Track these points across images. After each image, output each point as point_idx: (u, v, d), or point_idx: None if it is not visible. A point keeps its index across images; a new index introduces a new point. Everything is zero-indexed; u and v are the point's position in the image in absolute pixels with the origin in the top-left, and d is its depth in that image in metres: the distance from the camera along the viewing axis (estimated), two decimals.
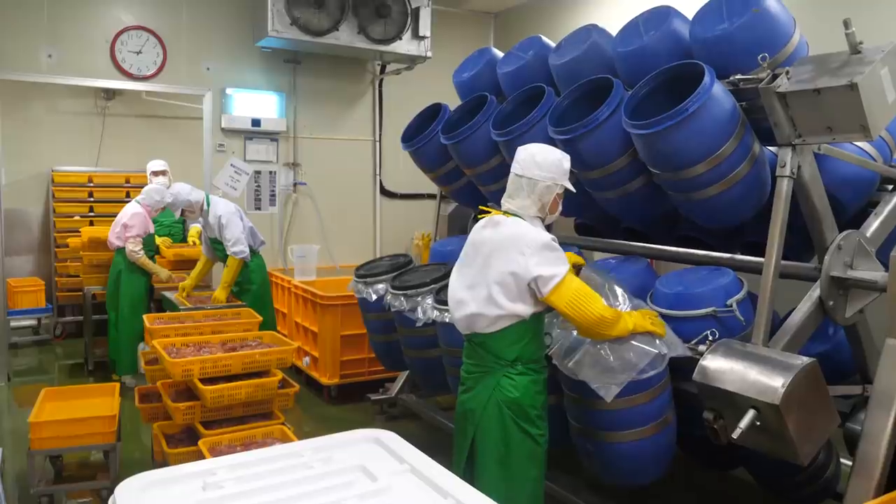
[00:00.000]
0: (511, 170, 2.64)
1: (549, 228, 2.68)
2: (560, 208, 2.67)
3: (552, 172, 2.57)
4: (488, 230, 2.60)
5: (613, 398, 2.62)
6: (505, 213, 2.60)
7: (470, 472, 2.64)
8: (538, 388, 2.59)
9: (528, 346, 2.56)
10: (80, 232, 6.01)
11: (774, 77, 2.71)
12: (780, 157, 2.74)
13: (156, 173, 5.79)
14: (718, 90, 2.75)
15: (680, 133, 2.72)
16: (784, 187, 2.71)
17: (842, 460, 3.18)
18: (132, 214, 5.31)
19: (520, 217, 2.56)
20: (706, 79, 2.72)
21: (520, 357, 2.55)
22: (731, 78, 2.86)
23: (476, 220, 4.59)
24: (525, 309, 2.51)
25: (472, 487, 1.59)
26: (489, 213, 2.68)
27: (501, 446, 2.57)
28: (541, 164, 2.57)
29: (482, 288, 2.55)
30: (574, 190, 2.68)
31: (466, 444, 2.65)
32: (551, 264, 2.44)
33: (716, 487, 3.83)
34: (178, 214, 5.07)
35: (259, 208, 7.04)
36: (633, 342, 2.60)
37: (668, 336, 2.67)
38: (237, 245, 4.85)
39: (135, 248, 5.26)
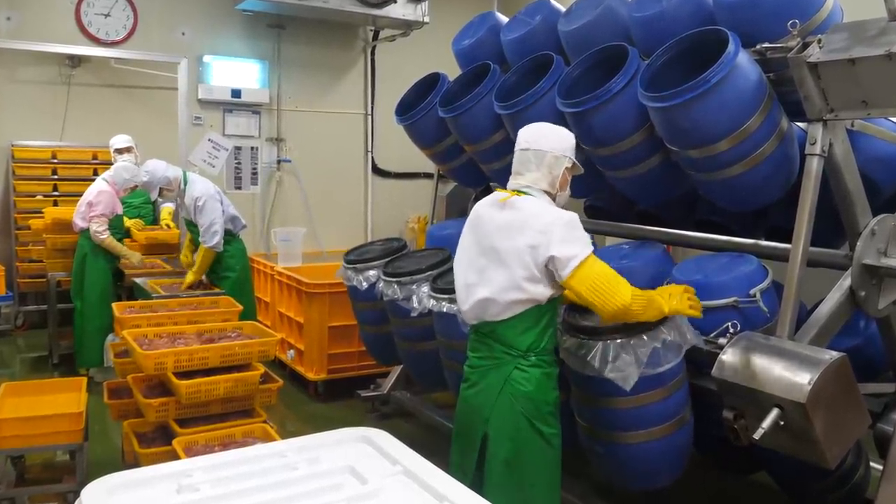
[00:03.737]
0: (515, 148, 2.68)
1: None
2: (569, 189, 2.70)
3: (559, 143, 2.63)
4: (500, 209, 2.61)
5: (626, 396, 2.63)
6: (516, 192, 2.61)
7: (479, 477, 2.63)
8: (552, 384, 2.61)
9: (542, 335, 2.57)
10: (42, 213, 5.98)
11: (805, 46, 2.70)
12: (809, 133, 2.73)
13: (120, 150, 5.73)
14: (743, 60, 2.74)
15: (701, 106, 2.71)
16: (814, 166, 2.70)
17: (872, 464, 3.19)
18: (98, 192, 5.27)
19: (531, 196, 2.58)
20: (730, 47, 2.70)
21: (532, 347, 2.56)
22: (758, 46, 2.84)
23: (476, 200, 4.62)
24: (543, 291, 2.52)
25: (469, 490, 1.59)
26: (497, 191, 2.70)
27: (511, 447, 2.57)
28: (547, 135, 2.64)
29: (495, 270, 2.56)
30: (583, 169, 2.72)
31: (475, 447, 2.64)
32: (571, 244, 2.46)
33: (735, 492, 3.85)
34: (155, 194, 5.03)
35: (239, 187, 7.01)
36: (647, 335, 2.61)
37: (683, 326, 2.69)
38: (210, 233, 4.80)
39: (99, 229, 5.22)
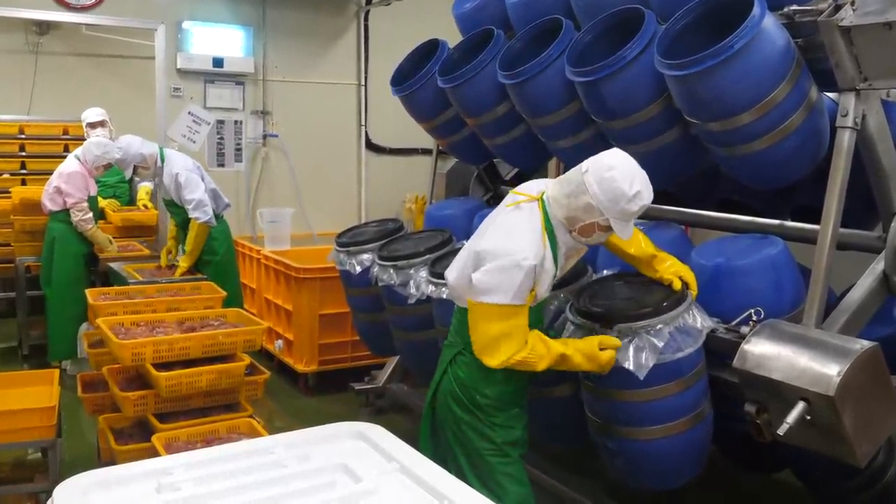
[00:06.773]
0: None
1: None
2: (594, 239, 2.63)
3: (605, 198, 2.44)
4: (506, 208, 2.69)
5: (640, 388, 2.64)
6: (540, 197, 2.61)
7: (435, 447, 2.85)
8: (491, 375, 2.63)
9: None
10: (10, 193, 5.97)
11: (837, 8, 2.68)
12: (841, 104, 2.72)
13: (93, 125, 5.71)
14: (770, 24, 2.72)
15: (723, 74, 2.70)
16: (845, 140, 2.69)
17: None
18: (68, 175, 5.20)
19: (544, 210, 2.58)
20: (755, 9, 2.68)
21: None
22: (786, 9, 2.84)
23: (479, 178, 4.63)
24: None
25: (469, 488, 1.60)
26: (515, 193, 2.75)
27: (452, 424, 2.74)
28: (601, 181, 2.45)
29: (460, 258, 2.73)
30: (625, 237, 2.57)
31: (429, 412, 2.88)
32: (495, 282, 2.48)
33: (757, 492, 3.87)
34: (129, 172, 5.01)
35: (223, 165, 7.00)
36: (662, 319, 2.63)
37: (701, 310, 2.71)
38: (200, 208, 4.82)
39: (84, 217, 5.17)
